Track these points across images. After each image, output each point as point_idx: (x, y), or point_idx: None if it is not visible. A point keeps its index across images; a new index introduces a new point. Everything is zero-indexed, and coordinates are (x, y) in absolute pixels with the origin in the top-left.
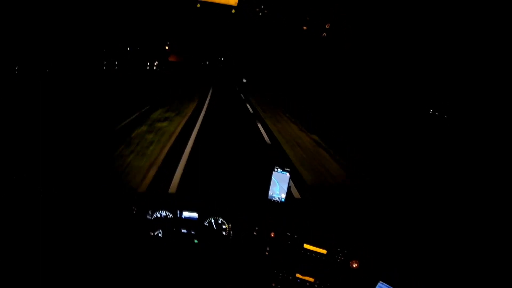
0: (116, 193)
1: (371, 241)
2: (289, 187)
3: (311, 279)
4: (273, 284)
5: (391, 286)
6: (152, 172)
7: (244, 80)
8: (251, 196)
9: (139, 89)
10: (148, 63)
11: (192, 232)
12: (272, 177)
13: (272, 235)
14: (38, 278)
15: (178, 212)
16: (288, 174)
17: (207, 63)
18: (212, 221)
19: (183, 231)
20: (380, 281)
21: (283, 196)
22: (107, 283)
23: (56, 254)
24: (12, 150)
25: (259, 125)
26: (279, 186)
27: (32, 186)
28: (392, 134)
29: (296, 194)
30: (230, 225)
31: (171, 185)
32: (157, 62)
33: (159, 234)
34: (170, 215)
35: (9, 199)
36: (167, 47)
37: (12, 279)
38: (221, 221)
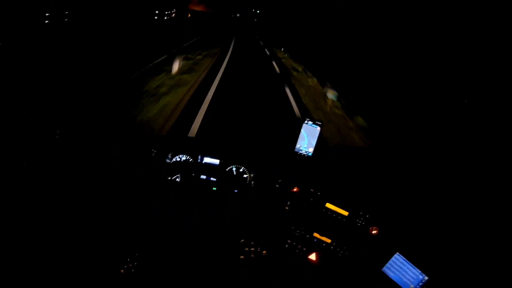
0: (135, 134)
1: (394, 211)
2: (318, 142)
3: (328, 240)
4: (289, 241)
5: (407, 259)
6: None
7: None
8: (277, 146)
9: None
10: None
11: (212, 179)
12: (302, 130)
13: (295, 190)
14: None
15: (199, 157)
16: (318, 128)
17: (238, 15)
18: (234, 169)
19: (202, 177)
20: (397, 253)
21: (311, 150)
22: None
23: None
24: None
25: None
26: (307, 139)
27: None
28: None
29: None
30: (252, 175)
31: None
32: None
33: (177, 179)
34: (191, 160)
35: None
36: None
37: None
38: (243, 169)
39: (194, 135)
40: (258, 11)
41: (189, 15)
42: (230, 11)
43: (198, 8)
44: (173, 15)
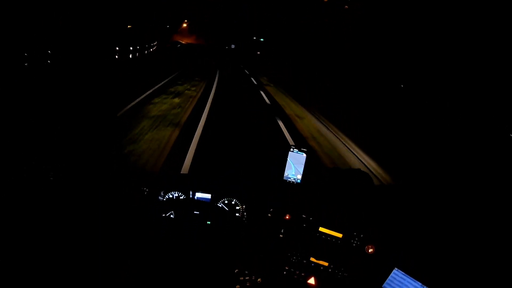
0: (126, 173)
1: (388, 226)
2: (305, 168)
3: (325, 263)
4: (287, 267)
5: (406, 273)
6: None
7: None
8: (266, 177)
9: None
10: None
11: (205, 214)
12: (288, 158)
13: (287, 217)
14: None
15: (191, 193)
16: (304, 155)
17: (233, 46)
18: (226, 202)
19: (196, 212)
20: (396, 268)
21: (299, 177)
22: (116, 264)
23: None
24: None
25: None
26: (294, 167)
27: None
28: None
29: None
30: (244, 207)
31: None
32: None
33: (171, 216)
34: (183, 196)
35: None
36: (185, 24)
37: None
38: (235, 202)
39: (187, 172)
40: (262, 39)
41: (168, 45)
42: (225, 42)
43: (188, 40)
44: (155, 48)
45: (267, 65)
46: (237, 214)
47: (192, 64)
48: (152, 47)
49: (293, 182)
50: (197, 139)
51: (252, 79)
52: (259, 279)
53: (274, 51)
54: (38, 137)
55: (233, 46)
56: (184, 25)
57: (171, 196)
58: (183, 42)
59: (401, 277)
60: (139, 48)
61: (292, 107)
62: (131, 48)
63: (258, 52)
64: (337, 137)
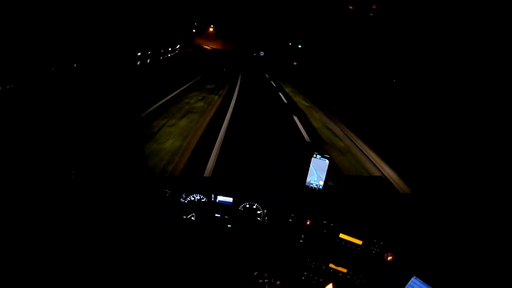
0: (149, 175)
1: (407, 235)
2: (327, 175)
3: (344, 270)
4: (305, 273)
5: (425, 282)
6: None
7: None
8: (288, 182)
9: None
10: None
11: (226, 217)
12: (310, 164)
13: (308, 223)
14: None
15: (212, 196)
16: (327, 161)
17: (261, 54)
18: (247, 206)
19: (217, 215)
20: (414, 276)
21: (321, 183)
22: (136, 265)
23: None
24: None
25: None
26: (316, 173)
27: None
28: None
29: None
30: (265, 211)
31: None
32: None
33: (192, 218)
34: (204, 199)
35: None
36: (211, 29)
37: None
38: (256, 206)
39: (209, 175)
40: (300, 46)
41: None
42: (253, 49)
43: (212, 45)
44: (176, 52)
45: (311, 82)
46: (258, 218)
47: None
48: (170, 52)
49: (315, 188)
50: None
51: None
52: (278, 282)
53: (314, 61)
54: (60, 137)
55: (262, 54)
56: (211, 29)
57: (192, 198)
58: (207, 48)
59: (419, 286)
60: (150, 53)
61: None
62: (138, 54)
63: (295, 63)
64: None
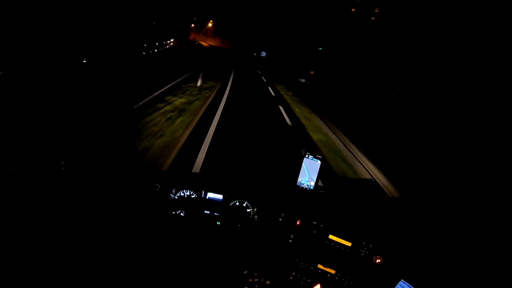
0: (139, 169)
1: (396, 238)
2: (319, 176)
3: (333, 271)
4: (294, 273)
5: (412, 285)
6: None
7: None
8: (279, 181)
9: None
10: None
11: (216, 214)
12: (303, 164)
13: (298, 223)
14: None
15: (202, 192)
16: (319, 162)
17: (263, 54)
18: (237, 204)
19: (206, 212)
20: (402, 280)
21: (312, 183)
22: (125, 261)
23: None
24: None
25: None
26: (308, 173)
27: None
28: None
29: None
30: (255, 209)
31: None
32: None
33: (181, 214)
34: (194, 195)
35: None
36: (210, 24)
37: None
38: (246, 204)
39: (198, 171)
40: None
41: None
42: (254, 47)
43: (210, 42)
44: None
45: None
46: (248, 217)
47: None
48: (159, 46)
49: (306, 188)
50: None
51: None
52: (268, 282)
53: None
54: (51, 132)
55: (263, 54)
56: (210, 24)
57: (182, 194)
58: (204, 44)
59: None
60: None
61: None
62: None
63: (312, 72)
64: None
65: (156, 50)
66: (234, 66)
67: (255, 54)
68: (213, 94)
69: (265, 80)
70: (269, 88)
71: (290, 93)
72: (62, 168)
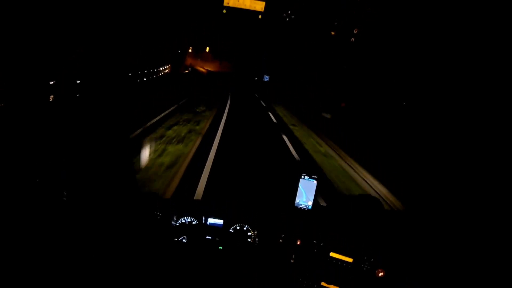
0: (139, 198)
1: (397, 251)
2: (316, 195)
3: None
4: None
5: None
6: None
7: None
8: (277, 203)
9: None
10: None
11: (217, 239)
12: (299, 185)
13: (298, 243)
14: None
15: (203, 218)
16: (315, 182)
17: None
18: (238, 228)
19: (208, 237)
20: None
21: (310, 203)
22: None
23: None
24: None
25: None
26: (305, 193)
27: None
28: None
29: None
30: (255, 232)
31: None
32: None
33: (184, 240)
34: (195, 221)
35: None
36: (207, 49)
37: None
38: (247, 228)
39: (200, 198)
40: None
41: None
42: (256, 71)
43: (208, 67)
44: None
45: None
46: (248, 240)
47: None
48: (149, 75)
49: (304, 208)
50: None
51: None
52: None
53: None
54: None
55: (266, 78)
56: (207, 49)
57: (183, 221)
58: (201, 70)
59: None
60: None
61: None
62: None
63: (344, 104)
64: None
65: (145, 79)
66: (231, 96)
67: (256, 78)
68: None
69: (274, 120)
70: (285, 139)
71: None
72: (65, 199)
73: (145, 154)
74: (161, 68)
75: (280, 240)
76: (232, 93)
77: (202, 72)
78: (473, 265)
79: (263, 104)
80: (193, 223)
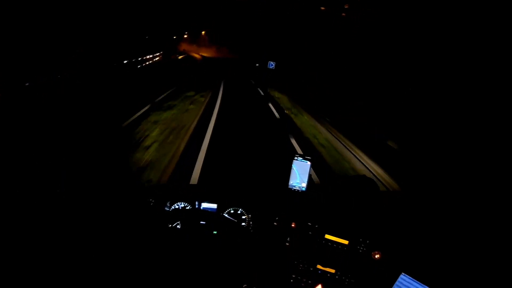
0: (132, 185)
1: (394, 232)
2: (310, 176)
3: (332, 270)
4: (294, 276)
5: (414, 278)
6: None
7: None
8: (271, 185)
9: None
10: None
11: (211, 224)
12: (292, 166)
13: (293, 226)
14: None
15: (196, 203)
16: (308, 163)
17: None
18: (232, 211)
19: (202, 222)
20: (403, 273)
21: (304, 185)
22: (123, 277)
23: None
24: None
25: None
26: (299, 175)
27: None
28: None
29: None
30: (249, 216)
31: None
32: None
33: (177, 226)
34: (189, 207)
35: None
36: (203, 33)
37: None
38: (241, 211)
39: (196, 182)
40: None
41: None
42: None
43: (204, 53)
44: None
45: None
46: (243, 224)
47: None
48: (135, 63)
49: (298, 190)
50: None
51: None
52: None
53: None
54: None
55: (271, 65)
56: (203, 33)
57: (177, 206)
58: (196, 56)
59: (408, 282)
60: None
61: None
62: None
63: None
64: None
65: (129, 68)
66: (228, 87)
67: (257, 64)
68: None
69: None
70: None
71: None
72: (58, 191)
73: None
74: (148, 57)
75: (275, 223)
76: (225, 84)
77: (196, 59)
78: (469, 247)
79: (271, 107)
80: (187, 208)
